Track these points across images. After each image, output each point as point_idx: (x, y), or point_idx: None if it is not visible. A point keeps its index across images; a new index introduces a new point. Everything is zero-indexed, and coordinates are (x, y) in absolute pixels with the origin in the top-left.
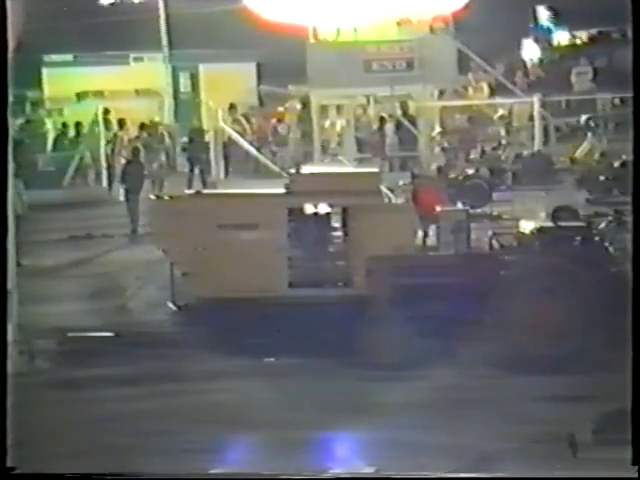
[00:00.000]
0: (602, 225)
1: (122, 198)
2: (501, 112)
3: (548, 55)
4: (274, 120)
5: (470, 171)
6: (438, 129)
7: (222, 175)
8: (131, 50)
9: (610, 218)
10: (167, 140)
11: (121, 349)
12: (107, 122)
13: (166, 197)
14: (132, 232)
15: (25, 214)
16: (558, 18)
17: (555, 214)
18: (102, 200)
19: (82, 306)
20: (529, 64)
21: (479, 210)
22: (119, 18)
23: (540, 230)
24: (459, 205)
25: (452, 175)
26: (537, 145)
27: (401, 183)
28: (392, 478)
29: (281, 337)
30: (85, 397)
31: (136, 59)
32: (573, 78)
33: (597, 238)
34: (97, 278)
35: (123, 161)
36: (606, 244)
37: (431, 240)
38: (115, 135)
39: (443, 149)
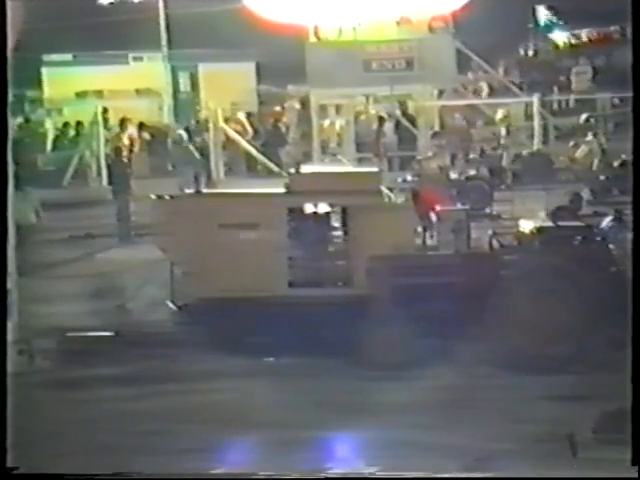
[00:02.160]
0: (603, 225)
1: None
2: (500, 112)
3: (547, 55)
4: (273, 120)
5: (471, 172)
6: (437, 129)
7: (222, 175)
8: (130, 50)
9: (610, 217)
10: (166, 140)
11: (121, 349)
12: (106, 121)
13: (166, 197)
14: (121, 232)
15: (39, 221)
16: (558, 18)
17: (555, 214)
18: (102, 200)
19: (82, 306)
20: (528, 64)
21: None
22: (118, 18)
23: (540, 230)
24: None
25: (453, 176)
26: (536, 145)
27: (400, 180)
28: (392, 478)
29: (281, 337)
30: (85, 397)
31: (135, 59)
32: (572, 78)
33: (597, 238)
34: (97, 278)
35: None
36: (606, 244)
37: (431, 240)
38: (113, 134)
39: (442, 148)
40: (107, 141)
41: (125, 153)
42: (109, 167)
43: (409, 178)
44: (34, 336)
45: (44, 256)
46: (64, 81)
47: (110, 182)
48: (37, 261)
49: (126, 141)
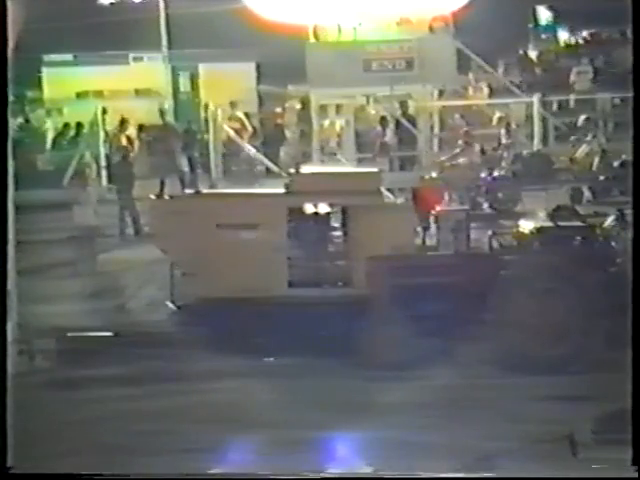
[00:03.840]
0: (605, 224)
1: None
2: (500, 112)
3: (548, 55)
4: (273, 120)
5: (496, 173)
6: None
7: (221, 175)
8: (131, 50)
9: (611, 217)
10: (166, 140)
11: (121, 349)
12: (105, 121)
13: (166, 197)
14: (121, 233)
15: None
16: (558, 18)
17: (555, 213)
18: (102, 200)
19: (82, 306)
20: (529, 64)
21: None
22: (119, 18)
23: (540, 230)
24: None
25: (483, 174)
26: (536, 145)
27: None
28: (392, 478)
29: (281, 337)
30: (85, 397)
31: (136, 59)
32: (573, 77)
33: (597, 238)
34: (97, 278)
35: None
36: (606, 243)
37: (430, 240)
38: (113, 134)
39: (471, 145)
40: (105, 142)
41: (132, 153)
42: (116, 167)
43: (434, 175)
44: (34, 336)
45: (44, 256)
46: (64, 81)
47: (116, 182)
48: (37, 261)
49: (124, 141)
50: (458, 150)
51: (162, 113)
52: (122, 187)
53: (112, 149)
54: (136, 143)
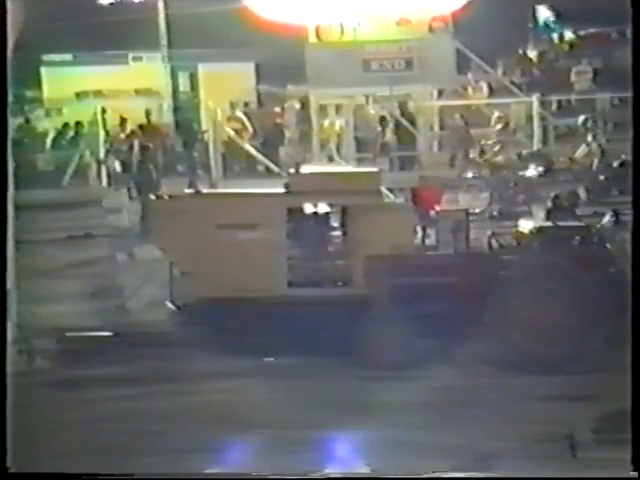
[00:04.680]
0: (603, 222)
1: (126, 198)
2: (500, 112)
3: (548, 55)
4: (273, 120)
5: (528, 173)
6: (437, 129)
7: (221, 175)
8: (130, 50)
9: (608, 217)
10: (166, 140)
11: (120, 349)
12: (105, 121)
13: (165, 197)
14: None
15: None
16: (558, 18)
17: (553, 207)
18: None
19: (81, 306)
20: (528, 64)
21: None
22: (118, 18)
23: (539, 230)
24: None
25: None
26: (536, 145)
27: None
28: (391, 478)
29: (281, 337)
30: (84, 397)
31: (135, 59)
32: (573, 77)
33: (596, 238)
34: (96, 278)
35: (117, 162)
36: (605, 243)
37: (430, 240)
38: (111, 134)
39: (506, 144)
40: (105, 141)
41: (151, 153)
42: (138, 166)
43: (470, 175)
44: (34, 336)
45: (44, 256)
46: (64, 81)
47: (138, 181)
48: (37, 261)
49: (124, 140)
50: (496, 149)
51: (147, 113)
52: (146, 186)
53: (110, 149)
54: (136, 143)
